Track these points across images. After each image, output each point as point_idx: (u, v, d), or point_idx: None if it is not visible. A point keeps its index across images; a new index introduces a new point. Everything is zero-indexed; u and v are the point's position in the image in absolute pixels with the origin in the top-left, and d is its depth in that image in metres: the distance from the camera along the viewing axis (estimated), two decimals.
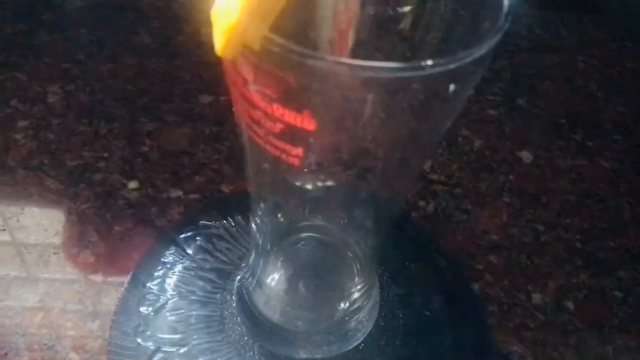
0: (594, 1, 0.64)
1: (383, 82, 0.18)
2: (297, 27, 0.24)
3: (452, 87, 0.19)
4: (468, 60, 0.18)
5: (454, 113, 0.22)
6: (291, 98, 0.19)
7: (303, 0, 0.25)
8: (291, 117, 0.20)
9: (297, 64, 0.18)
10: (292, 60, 0.18)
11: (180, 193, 0.43)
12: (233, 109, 0.24)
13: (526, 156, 0.49)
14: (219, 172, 0.44)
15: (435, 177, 0.46)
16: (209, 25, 0.55)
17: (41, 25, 0.54)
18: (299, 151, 0.21)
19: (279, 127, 0.20)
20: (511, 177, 0.47)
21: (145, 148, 0.45)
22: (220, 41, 0.17)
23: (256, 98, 0.20)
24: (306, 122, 0.20)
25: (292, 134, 0.21)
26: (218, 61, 0.55)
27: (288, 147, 0.21)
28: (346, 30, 0.28)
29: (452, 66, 0.18)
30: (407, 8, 0.25)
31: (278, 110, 0.20)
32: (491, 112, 0.52)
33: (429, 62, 0.18)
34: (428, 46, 0.25)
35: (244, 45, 0.18)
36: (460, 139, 0.49)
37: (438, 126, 0.23)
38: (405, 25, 0.26)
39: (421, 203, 0.44)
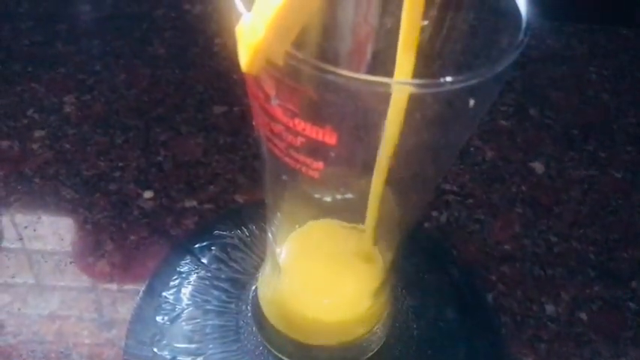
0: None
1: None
2: (318, 39, 0.25)
3: (471, 102, 0.20)
4: (488, 76, 0.19)
5: (472, 127, 0.23)
6: (313, 113, 0.20)
7: (324, 13, 0.25)
8: (312, 131, 0.20)
9: (318, 79, 0.18)
10: (314, 75, 0.18)
11: (194, 202, 0.43)
12: (253, 122, 0.24)
13: (538, 166, 0.49)
14: (234, 182, 0.45)
15: (447, 187, 0.46)
16: (222, 36, 0.55)
17: (57, 36, 0.54)
18: (319, 164, 0.22)
19: (300, 140, 0.21)
20: (523, 188, 0.47)
21: (160, 158, 0.46)
22: (246, 57, 0.18)
23: (278, 112, 0.20)
24: (327, 136, 0.20)
25: (313, 148, 0.21)
26: (232, 72, 0.55)
27: (308, 160, 0.22)
28: (365, 42, 0.28)
29: (472, 82, 0.18)
30: (424, 22, 0.26)
31: (299, 124, 0.20)
32: (503, 122, 0.52)
33: (449, 79, 0.18)
34: (446, 60, 0.25)
35: (268, 60, 0.18)
36: (472, 149, 0.49)
37: (457, 139, 0.23)
38: (423, 38, 0.26)
39: (434, 213, 0.44)
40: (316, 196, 0.26)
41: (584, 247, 0.44)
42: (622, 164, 0.50)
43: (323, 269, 0.33)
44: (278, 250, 0.32)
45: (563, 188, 0.47)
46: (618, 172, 0.49)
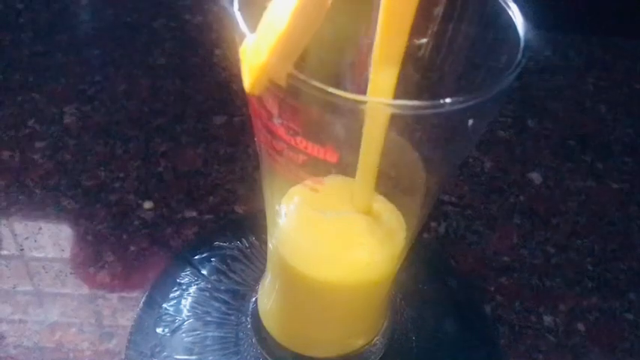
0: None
1: (404, 118, 0.19)
2: (320, 51, 0.25)
3: (470, 122, 0.20)
4: (487, 97, 0.19)
5: (472, 144, 0.23)
6: (315, 132, 0.20)
7: (325, 26, 0.25)
8: (314, 150, 0.20)
9: (320, 100, 0.19)
10: (316, 96, 0.18)
11: (194, 213, 0.43)
12: (255, 139, 0.25)
13: (536, 177, 0.49)
14: (233, 193, 0.45)
15: (446, 198, 0.46)
16: (222, 46, 0.55)
17: (57, 46, 0.55)
18: (320, 180, 0.22)
19: (301, 158, 0.21)
20: (521, 198, 0.47)
21: (160, 169, 0.46)
22: (249, 78, 0.18)
23: (280, 131, 0.21)
24: (329, 155, 0.20)
25: (315, 165, 0.21)
26: (232, 82, 0.55)
27: (309, 177, 0.22)
28: (366, 54, 0.28)
29: (471, 103, 0.19)
30: (423, 40, 0.26)
31: (301, 143, 0.20)
32: (502, 133, 0.52)
33: (448, 100, 0.18)
34: (446, 75, 0.25)
35: (271, 81, 0.18)
36: (471, 160, 0.49)
37: (456, 156, 0.24)
38: (424, 54, 0.26)
39: (433, 224, 0.45)
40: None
41: (582, 258, 0.44)
42: (619, 175, 0.50)
43: (328, 241, 0.30)
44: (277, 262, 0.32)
45: (561, 199, 0.48)
46: (616, 183, 0.49)
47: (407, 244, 0.29)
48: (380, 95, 0.22)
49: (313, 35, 0.20)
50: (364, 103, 0.18)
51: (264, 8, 0.18)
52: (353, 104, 0.18)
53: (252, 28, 0.19)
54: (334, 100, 0.18)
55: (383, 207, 0.29)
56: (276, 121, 0.20)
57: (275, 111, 0.20)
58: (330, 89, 0.18)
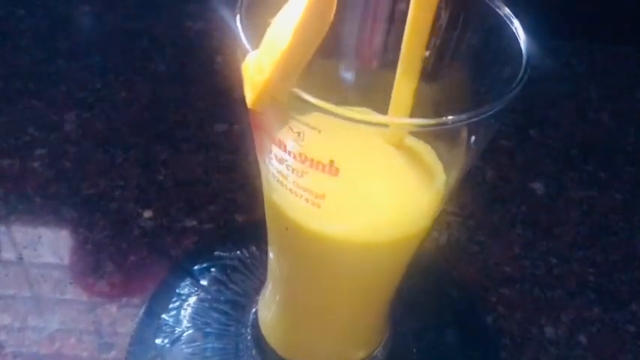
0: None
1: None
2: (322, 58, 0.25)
3: (473, 138, 0.20)
4: (489, 113, 0.19)
5: (474, 158, 0.23)
6: (316, 147, 0.20)
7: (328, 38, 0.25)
8: (315, 164, 0.20)
9: (322, 117, 0.18)
10: (317, 113, 0.18)
11: (194, 222, 0.43)
12: (256, 151, 0.24)
13: (538, 187, 0.49)
14: (234, 201, 0.45)
15: (448, 208, 0.46)
16: (223, 53, 0.55)
17: (58, 53, 0.54)
18: (322, 195, 0.22)
19: (303, 172, 0.21)
20: (523, 208, 0.47)
21: (160, 177, 0.46)
22: (252, 95, 0.18)
23: (281, 145, 0.21)
24: (330, 169, 0.20)
25: (316, 179, 0.21)
26: (232, 89, 0.55)
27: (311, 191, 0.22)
28: (368, 63, 0.28)
29: (473, 120, 0.18)
30: (426, 52, 0.26)
31: (303, 157, 0.20)
32: (504, 142, 0.52)
33: (451, 118, 0.18)
34: (450, 86, 0.25)
35: (273, 98, 0.18)
36: (473, 169, 0.49)
37: (459, 169, 0.23)
38: (428, 65, 0.26)
39: (434, 234, 0.44)
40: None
41: (584, 268, 0.44)
42: (622, 185, 0.50)
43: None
44: (278, 273, 0.32)
45: (563, 209, 0.47)
46: (618, 192, 0.49)
47: (445, 193, 0.26)
48: (403, 103, 0.21)
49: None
50: (369, 123, 0.18)
51: (267, 25, 0.18)
52: (356, 123, 0.18)
53: (255, 44, 0.19)
54: (336, 118, 0.18)
55: (421, 149, 0.25)
56: (278, 135, 0.20)
57: (276, 125, 0.20)
58: (333, 107, 0.17)
